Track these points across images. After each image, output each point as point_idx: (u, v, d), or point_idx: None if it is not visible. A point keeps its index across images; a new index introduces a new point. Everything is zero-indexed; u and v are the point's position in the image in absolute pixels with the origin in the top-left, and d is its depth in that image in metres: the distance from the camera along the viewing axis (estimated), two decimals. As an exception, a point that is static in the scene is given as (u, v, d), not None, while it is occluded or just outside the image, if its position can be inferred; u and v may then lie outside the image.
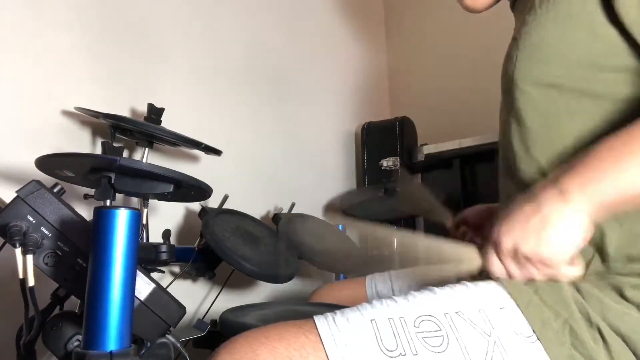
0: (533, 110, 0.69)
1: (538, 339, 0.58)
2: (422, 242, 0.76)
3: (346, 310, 0.62)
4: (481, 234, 0.97)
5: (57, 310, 0.69)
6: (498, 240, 0.61)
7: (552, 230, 0.57)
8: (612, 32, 0.62)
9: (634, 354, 0.57)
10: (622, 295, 0.59)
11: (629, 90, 0.63)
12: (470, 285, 0.64)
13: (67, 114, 1.23)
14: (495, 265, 0.62)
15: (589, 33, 0.63)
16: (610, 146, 0.57)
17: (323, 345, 0.57)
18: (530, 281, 0.63)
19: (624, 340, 0.57)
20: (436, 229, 1.80)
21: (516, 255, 0.60)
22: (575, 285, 0.61)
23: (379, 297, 1.01)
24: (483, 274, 0.83)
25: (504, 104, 0.76)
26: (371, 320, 0.59)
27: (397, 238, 0.78)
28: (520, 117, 0.70)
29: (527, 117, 0.69)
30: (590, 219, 0.56)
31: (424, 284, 0.97)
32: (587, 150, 0.58)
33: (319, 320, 0.60)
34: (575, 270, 0.60)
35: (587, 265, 0.64)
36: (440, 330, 0.58)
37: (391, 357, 0.56)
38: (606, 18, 0.62)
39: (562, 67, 0.66)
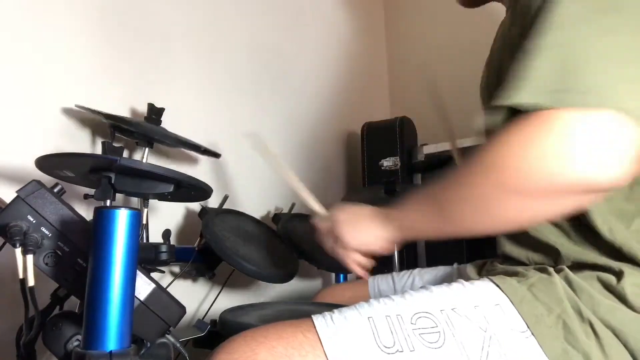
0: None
1: (532, 334, 0.59)
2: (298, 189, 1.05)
3: (344, 309, 0.62)
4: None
5: (57, 310, 0.70)
6: (338, 213, 0.81)
7: (361, 228, 0.76)
8: None
9: (625, 347, 0.59)
10: (612, 293, 0.61)
11: None
12: (466, 284, 0.66)
13: (67, 114, 1.23)
14: (324, 222, 0.84)
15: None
16: (421, 193, 0.68)
17: (321, 343, 0.57)
18: (526, 274, 0.66)
19: (615, 334, 0.59)
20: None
21: (334, 225, 0.80)
22: (568, 281, 0.63)
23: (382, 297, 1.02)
24: (482, 272, 0.85)
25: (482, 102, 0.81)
26: (368, 317, 0.60)
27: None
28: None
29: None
30: (390, 237, 0.73)
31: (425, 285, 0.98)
32: (416, 191, 0.70)
33: (317, 319, 0.60)
34: (351, 257, 0.81)
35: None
36: (437, 326, 0.59)
37: (389, 353, 0.56)
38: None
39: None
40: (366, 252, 0.80)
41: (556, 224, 0.68)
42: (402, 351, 0.57)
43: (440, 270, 1.01)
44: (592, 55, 0.51)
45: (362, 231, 0.76)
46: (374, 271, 1.09)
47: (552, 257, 0.69)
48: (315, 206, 0.99)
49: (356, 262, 0.82)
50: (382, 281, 1.06)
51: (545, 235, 0.69)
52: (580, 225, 0.66)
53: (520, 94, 0.53)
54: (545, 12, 0.55)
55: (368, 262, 0.84)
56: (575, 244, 0.66)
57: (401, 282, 1.03)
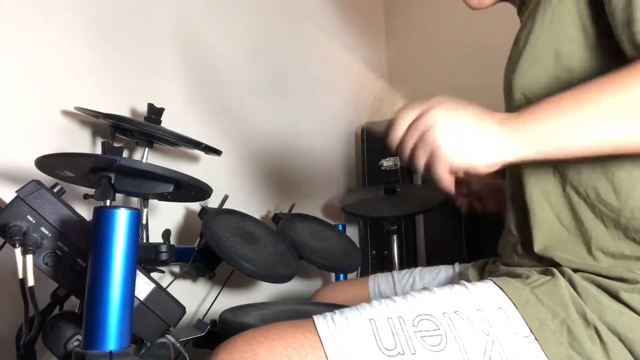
0: None
1: (536, 339, 0.58)
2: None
3: (345, 309, 0.62)
4: (482, 205, 1.01)
5: (57, 310, 0.70)
6: (427, 109, 0.59)
7: (467, 142, 0.57)
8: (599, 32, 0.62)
9: (631, 353, 0.58)
10: (617, 298, 0.60)
11: None
12: (469, 286, 0.65)
13: (67, 114, 1.23)
14: (403, 121, 0.61)
15: (581, 31, 0.64)
16: (557, 97, 0.55)
17: (322, 344, 0.57)
18: (531, 277, 0.64)
19: (621, 340, 0.58)
20: (436, 228, 1.80)
21: (425, 133, 0.59)
22: (573, 284, 0.62)
23: (382, 297, 1.02)
24: (485, 273, 0.84)
25: (506, 105, 0.77)
26: (370, 319, 0.59)
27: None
28: None
29: None
30: (509, 157, 0.56)
31: (425, 285, 0.98)
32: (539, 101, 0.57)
33: (318, 319, 0.60)
34: (446, 180, 0.60)
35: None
36: (439, 329, 0.58)
37: (390, 356, 0.56)
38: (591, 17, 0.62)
39: (558, 68, 0.66)
40: (466, 171, 0.60)
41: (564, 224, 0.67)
42: (403, 354, 0.56)
43: (441, 269, 1.01)
44: None
45: (470, 143, 0.57)
46: (376, 268, 1.09)
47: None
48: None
49: (448, 177, 0.61)
50: (382, 280, 1.06)
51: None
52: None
53: None
54: None
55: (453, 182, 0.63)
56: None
57: (402, 282, 1.03)
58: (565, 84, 0.65)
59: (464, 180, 0.97)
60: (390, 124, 0.63)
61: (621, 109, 0.51)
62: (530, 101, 0.68)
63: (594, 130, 0.52)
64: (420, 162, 0.61)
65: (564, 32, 0.65)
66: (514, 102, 0.71)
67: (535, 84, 0.68)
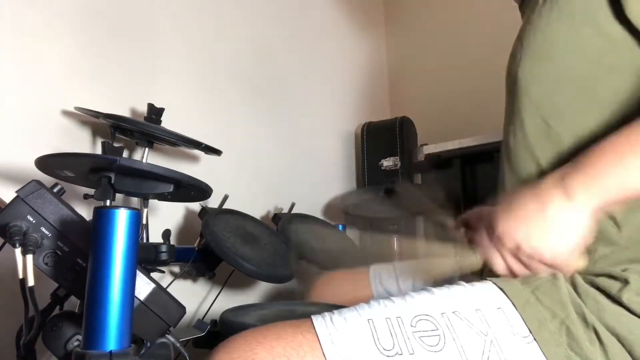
0: (534, 109, 0.69)
1: (534, 339, 0.58)
2: (422, 245, 0.77)
3: (344, 310, 0.62)
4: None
5: (57, 310, 0.70)
6: (501, 237, 0.60)
7: (555, 231, 0.56)
8: (617, 29, 0.61)
9: (630, 354, 0.57)
10: (617, 300, 0.59)
11: (629, 91, 0.62)
12: (467, 286, 0.64)
13: (67, 114, 1.23)
14: (499, 263, 0.62)
15: (594, 29, 0.63)
16: (613, 144, 0.55)
17: (320, 344, 0.57)
18: (531, 277, 0.63)
19: (620, 341, 0.58)
20: (436, 229, 1.80)
21: (519, 253, 0.59)
22: (573, 285, 0.62)
23: (385, 290, 1.01)
24: (484, 273, 0.83)
25: (507, 103, 0.76)
26: (368, 319, 0.59)
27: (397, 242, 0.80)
28: (521, 117, 0.70)
29: (527, 117, 0.69)
30: (593, 218, 0.55)
31: (428, 278, 0.97)
32: (591, 148, 0.56)
33: (317, 319, 0.60)
34: (578, 263, 0.60)
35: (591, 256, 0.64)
36: (437, 329, 0.58)
37: (388, 356, 0.56)
38: (612, 14, 0.61)
39: (564, 65, 0.66)
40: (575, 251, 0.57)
41: None
42: (401, 354, 0.56)
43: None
44: None
45: (561, 230, 0.55)
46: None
47: None
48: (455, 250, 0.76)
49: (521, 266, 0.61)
50: (383, 270, 1.04)
51: None
52: None
53: None
54: None
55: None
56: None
57: (403, 275, 1.01)
58: (578, 81, 0.65)
59: (462, 216, 0.93)
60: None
61: None
62: (533, 96, 0.68)
63: None
64: (538, 271, 0.61)
65: (574, 30, 0.64)
66: (516, 99, 0.71)
67: (542, 80, 0.68)
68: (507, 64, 0.75)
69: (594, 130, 0.64)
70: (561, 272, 0.59)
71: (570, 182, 0.56)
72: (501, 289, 0.62)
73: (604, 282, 0.61)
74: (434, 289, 0.64)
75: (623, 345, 0.57)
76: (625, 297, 0.58)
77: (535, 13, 0.69)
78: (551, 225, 0.56)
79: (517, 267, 0.60)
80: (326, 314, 0.61)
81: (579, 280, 0.62)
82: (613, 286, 0.60)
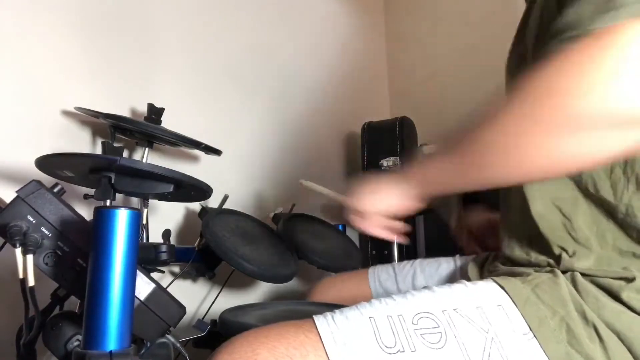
0: None
1: (535, 336, 0.58)
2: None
3: (345, 309, 0.62)
4: (482, 244, 1.06)
5: (57, 310, 0.70)
6: (356, 192, 0.81)
7: (379, 194, 0.77)
8: None
9: (630, 351, 0.58)
10: (617, 297, 0.60)
11: None
12: (469, 284, 0.65)
13: (67, 114, 1.23)
14: (349, 209, 0.83)
15: None
16: (447, 145, 0.66)
17: (323, 343, 0.57)
18: (531, 275, 0.64)
19: (620, 338, 0.58)
20: (435, 228, 1.80)
21: (359, 199, 0.80)
22: (573, 282, 0.62)
23: (383, 289, 1.02)
24: (485, 273, 0.84)
25: (507, 88, 0.77)
26: (370, 317, 0.60)
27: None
28: None
29: None
30: (415, 197, 0.72)
31: (426, 278, 0.98)
32: (441, 148, 0.69)
33: (319, 319, 0.60)
34: (382, 226, 0.81)
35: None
36: (439, 327, 0.59)
37: (390, 353, 0.56)
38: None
39: None
40: (390, 216, 0.79)
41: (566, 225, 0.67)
42: (403, 351, 0.56)
43: (442, 262, 1.00)
44: None
45: (382, 196, 0.76)
46: (379, 260, 1.09)
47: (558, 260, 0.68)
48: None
49: (381, 226, 0.81)
50: (382, 271, 1.05)
51: (555, 238, 0.68)
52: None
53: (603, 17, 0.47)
54: None
55: (395, 224, 0.82)
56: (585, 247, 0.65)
57: (402, 273, 1.02)
58: None
59: (464, 222, 1.10)
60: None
61: (467, 158, 0.62)
62: None
63: (455, 175, 0.65)
64: (362, 223, 0.83)
65: None
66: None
67: None
68: (509, 52, 0.75)
69: None
70: (367, 217, 0.80)
71: (410, 172, 0.73)
72: (502, 287, 0.63)
73: (604, 280, 0.61)
74: (435, 287, 0.64)
75: (623, 342, 0.58)
76: (625, 295, 0.59)
77: (532, 17, 0.69)
78: (387, 190, 0.76)
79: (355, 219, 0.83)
80: (328, 313, 0.61)
81: (579, 278, 0.62)
82: (613, 284, 0.60)
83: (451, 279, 0.95)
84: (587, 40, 0.48)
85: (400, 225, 0.82)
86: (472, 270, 0.88)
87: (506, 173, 0.58)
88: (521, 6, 0.81)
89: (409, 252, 1.75)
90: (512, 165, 0.56)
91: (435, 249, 1.72)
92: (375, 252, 1.81)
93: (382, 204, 0.77)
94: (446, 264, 0.99)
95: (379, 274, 1.05)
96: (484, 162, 0.58)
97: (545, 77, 0.50)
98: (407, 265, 1.03)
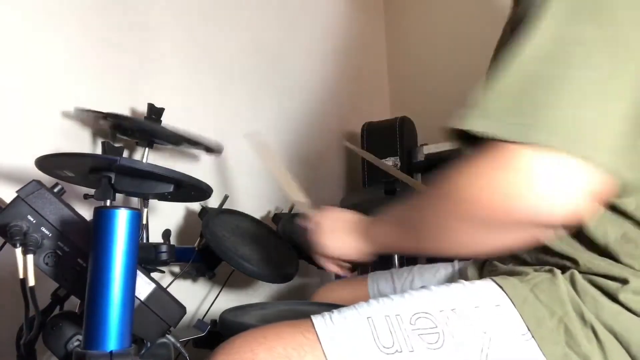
0: None
1: (533, 337, 0.58)
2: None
3: (343, 309, 0.62)
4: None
5: (57, 310, 0.70)
6: (324, 213, 0.83)
7: (337, 237, 0.78)
8: None
9: (628, 352, 0.58)
10: (615, 298, 0.59)
11: None
12: (467, 284, 0.65)
13: (67, 114, 1.23)
14: (312, 218, 0.83)
15: None
16: (395, 212, 0.68)
17: (320, 343, 0.57)
18: (530, 275, 0.64)
19: (617, 339, 0.58)
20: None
21: (316, 226, 0.81)
22: (572, 283, 0.62)
23: (381, 295, 1.02)
24: (484, 272, 0.84)
25: None
26: (367, 317, 0.60)
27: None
28: None
29: None
30: (370, 251, 0.74)
31: (424, 283, 0.97)
32: (399, 205, 0.69)
33: (316, 319, 0.60)
34: (324, 263, 0.83)
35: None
36: (436, 327, 0.59)
37: (388, 353, 0.56)
38: None
39: None
40: (343, 260, 0.81)
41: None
42: (401, 351, 0.57)
43: (440, 267, 1.00)
44: (567, 86, 0.49)
45: (339, 241, 0.77)
46: (373, 267, 1.10)
47: (563, 261, 0.67)
48: (302, 203, 0.98)
49: (333, 265, 0.83)
50: (381, 279, 1.05)
51: (557, 243, 0.67)
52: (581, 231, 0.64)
53: (480, 121, 0.51)
54: (531, 16, 0.52)
55: (346, 265, 0.84)
56: (585, 250, 0.64)
57: (400, 280, 1.03)
58: None
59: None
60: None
61: (407, 230, 0.66)
62: None
63: (399, 242, 0.69)
64: (308, 246, 0.83)
65: None
66: None
67: None
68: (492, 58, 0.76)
69: None
70: (317, 255, 0.82)
71: (367, 233, 0.74)
72: (500, 287, 0.63)
73: (603, 280, 0.61)
74: (433, 287, 0.64)
75: (620, 343, 0.58)
76: (622, 296, 0.59)
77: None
78: (346, 240, 0.77)
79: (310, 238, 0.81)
80: (326, 313, 0.61)
81: (578, 278, 0.62)
82: (611, 285, 0.60)
83: (450, 282, 0.95)
84: (496, 151, 0.50)
85: (349, 265, 0.84)
86: (471, 272, 0.87)
87: (440, 247, 0.63)
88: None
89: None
90: (442, 241, 0.61)
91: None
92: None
93: (337, 249, 0.78)
94: (444, 270, 0.99)
95: (377, 280, 1.05)
96: (422, 236, 0.63)
97: (447, 181, 0.58)
98: (405, 271, 1.04)
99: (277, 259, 1.22)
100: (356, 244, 0.75)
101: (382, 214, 0.72)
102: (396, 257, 1.55)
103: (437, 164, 1.83)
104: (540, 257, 0.70)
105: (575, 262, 0.64)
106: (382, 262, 1.76)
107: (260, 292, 1.60)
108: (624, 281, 0.60)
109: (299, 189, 1.01)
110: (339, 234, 0.78)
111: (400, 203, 0.67)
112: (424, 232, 0.62)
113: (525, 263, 0.72)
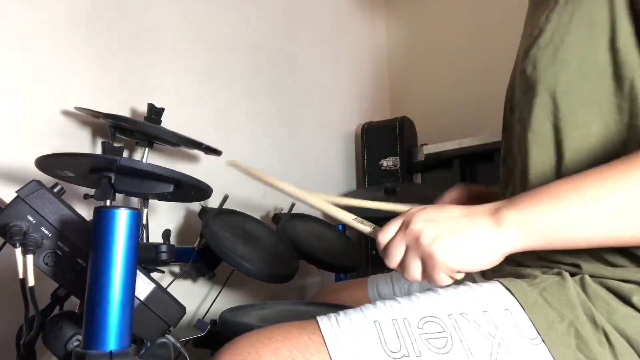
0: (542, 113, 0.67)
1: (543, 340, 0.57)
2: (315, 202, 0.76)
3: (349, 310, 0.61)
4: None
5: (57, 310, 0.70)
6: (411, 217, 0.59)
7: (463, 241, 0.56)
8: (634, 49, 0.60)
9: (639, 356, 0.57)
10: (628, 301, 0.59)
11: (627, 115, 0.61)
12: (475, 287, 0.64)
13: (67, 114, 1.23)
14: (386, 234, 0.61)
15: (610, 41, 0.62)
16: (554, 187, 0.55)
17: (326, 346, 0.56)
18: (538, 278, 0.62)
19: (630, 343, 0.57)
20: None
21: (414, 241, 0.57)
22: (582, 286, 0.61)
23: (381, 298, 1.01)
24: (487, 274, 0.83)
25: (514, 102, 0.75)
26: (374, 321, 0.59)
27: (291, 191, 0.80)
28: (529, 119, 0.69)
29: (535, 120, 0.68)
30: (511, 245, 0.55)
31: (422, 287, 0.97)
32: (535, 188, 0.57)
33: (322, 320, 0.60)
34: (447, 282, 0.58)
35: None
36: (444, 331, 0.58)
37: (395, 358, 0.55)
38: (632, 27, 0.60)
39: (578, 73, 0.65)
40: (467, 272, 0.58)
41: None
42: (408, 356, 0.56)
43: None
44: None
45: (467, 245, 0.55)
46: (376, 268, 1.09)
47: (573, 264, 0.66)
48: (349, 217, 0.73)
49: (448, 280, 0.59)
50: (380, 281, 1.05)
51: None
52: None
53: None
54: None
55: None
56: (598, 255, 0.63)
57: (400, 282, 1.03)
58: (578, 93, 0.64)
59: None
60: (375, 234, 0.63)
61: (626, 210, 0.52)
62: (542, 99, 0.67)
63: (601, 227, 0.53)
64: (415, 272, 0.58)
65: (592, 38, 0.63)
66: (526, 99, 0.70)
67: (551, 84, 0.66)
68: (517, 60, 0.73)
69: (592, 147, 0.63)
70: (431, 279, 0.57)
71: (504, 214, 0.55)
72: (509, 290, 0.62)
73: (615, 283, 0.60)
74: (440, 290, 0.63)
75: (632, 346, 0.57)
76: (636, 299, 0.58)
77: (555, 13, 0.67)
78: (463, 234, 0.56)
79: (396, 248, 0.59)
80: (332, 315, 0.60)
81: (588, 281, 0.61)
82: (624, 288, 0.59)
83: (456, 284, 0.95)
84: None
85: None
86: (476, 276, 0.87)
87: None
88: (522, 7, 0.80)
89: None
90: None
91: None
92: (375, 252, 1.81)
93: (469, 258, 0.55)
94: None
95: (377, 283, 1.05)
96: None
97: None
98: None
99: (277, 259, 1.22)
100: (496, 243, 0.55)
101: (528, 192, 0.55)
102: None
103: (437, 163, 1.83)
104: (551, 258, 0.69)
105: (586, 264, 0.63)
106: (381, 265, 1.77)
107: (260, 292, 1.60)
108: (637, 283, 0.59)
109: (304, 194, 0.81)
110: (462, 236, 0.56)
111: (594, 170, 0.54)
112: None
113: (534, 264, 0.71)
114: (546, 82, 0.67)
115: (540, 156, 0.68)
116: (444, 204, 0.60)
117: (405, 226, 0.59)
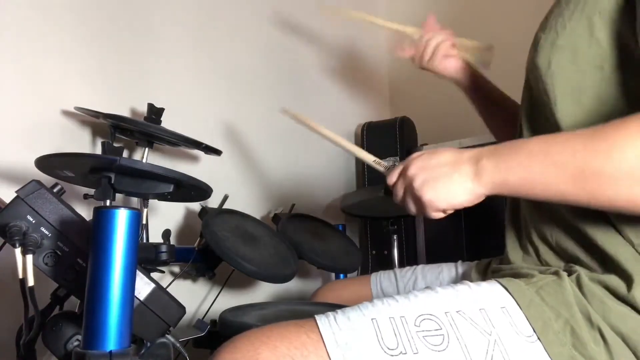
0: (548, 102, 0.67)
1: (539, 339, 0.58)
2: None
3: (347, 309, 0.62)
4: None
5: (57, 310, 0.70)
6: (410, 163, 0.68)
7: (447, 185, 0.63)
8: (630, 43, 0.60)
9: (635, 355, 0.57)
10: (623, 299, 0.59)
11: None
12: (472, 285, 0.64)
13: (67, 114, 1.23)
14: (392, 176, 0.71)
15: (608, 37, 0.62)
16: (534, 140, 0.60)
17: (324, 344, 0.57)
18: (535, 277, 0.63)
19: (625, 341, 0.57)
20: (436, 228, 1.80)
21: (409, 185, 0.67)
22: (578, 285, 0.61)
23: (384, 294, 1.01)
24: (488, 273, 0.83)
25: (525, 88, 0.75)
26: (372, 319, 0.59)
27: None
28: (541, 105, 0.69)
29: (547, 121, 0.68)
30: (486, 192, 0.62)
31: (428, 284, 0.97)
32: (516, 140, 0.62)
33: (320, 319, 0.60)
34: (438, 216, 0.67)
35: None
36: (441, 329, 0.58)
37: (392, 355, 0.56)
38: (629, 27, 0.59)
39: (587, 71, 0.64)
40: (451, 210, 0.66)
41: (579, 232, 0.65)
42: (405, 353, 0.56)
43: (444, 268, 1.00)
44: None
45: (448, 188, 0.63)
46: (376, 268, 1.09)
47: (567, 261, 0.67)
48: (370, 158, 0.86)
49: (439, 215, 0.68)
50: (384, 278, 1.05)
51: (566, 244, 0.67)
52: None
53: None
54: None
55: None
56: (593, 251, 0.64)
57: (404, 279, 1.02)
58: (590, 93, 0.64)
59: None
60: (386, 175, 0.74)
61: (578, 180, 0.55)
62: (549, 89, 0.67)
63: (558, 188, 0.56)
64: (411, 209, 0.69)
65: (591, 33, 0.63)
66: (540, 96, 0.70)
67: (568, 84, 0.66)
68: (532, 57, 0.73)
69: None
70: (424, 214, 0.67)
71: (484, 168, 0.61)
72: (505, 289, 0.62)
73: (611, 280, 0.60)
74: (437, 288, 0.64)
75: (628, 345, 0.57)
76: (631, 297, 0.58)
77: (563, 1, 0.67)
78: (445, 177, 0.64)
79: (398, 191, 0.70)
80: (330, 313, 0.61)
81: (585, 279, 0.61)
82: (620, 285, 0.59)
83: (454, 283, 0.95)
84: None
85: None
86: (475, 276, 0.87)
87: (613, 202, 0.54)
88: (521, 6, 0.81)
89: (409, 253, 1.75)
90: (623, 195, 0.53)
91: (436, 250, 1.72)
92: (375, 252, 1.82)
93: (447, 199, 0.64)
94: (447, 271, 0.99)
95: (381, 280, 1.05)
96: (610, 188, 0.53)
97: None
98: (408, 271, 1.03)
99: (277, 259, 1.22)
100: (470, 186, 0.62)
101: (510, 144, 0.61)
102: (396, 259, 1.55)
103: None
104: (549, 257, 0.69)
105: (583, 262, 0.64)
106: (382, 264, 1.77)
107: (260, 292, 1.60)
108: (632, 281, 0.59)
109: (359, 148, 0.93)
110: (444, 179, 0.63)
111: (555, 136, 0.58)
112: (617, 184, 0.52)
113: (533, 264, 0.71)
114: (563, 81, 0.67)
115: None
116: (436, 151, 0.67)
117: (405, 170, 0.68)
